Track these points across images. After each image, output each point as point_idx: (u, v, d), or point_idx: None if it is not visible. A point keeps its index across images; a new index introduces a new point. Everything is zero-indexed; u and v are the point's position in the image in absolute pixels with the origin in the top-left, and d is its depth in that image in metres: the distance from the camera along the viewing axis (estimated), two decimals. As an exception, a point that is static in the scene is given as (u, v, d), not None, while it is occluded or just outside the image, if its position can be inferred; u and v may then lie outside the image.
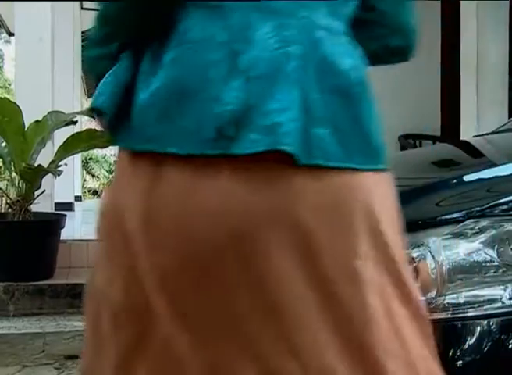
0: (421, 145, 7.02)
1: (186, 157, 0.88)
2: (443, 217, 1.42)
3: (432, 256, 1.36)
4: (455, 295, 1.34)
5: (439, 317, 1.33)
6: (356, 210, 0.94)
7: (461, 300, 1.34)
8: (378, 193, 0.99)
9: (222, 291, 0.89)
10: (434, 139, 6.98)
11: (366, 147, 0.96)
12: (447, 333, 1.32)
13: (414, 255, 1.38)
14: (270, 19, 0.92)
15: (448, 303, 1.34)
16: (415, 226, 1.43)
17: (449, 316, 1.33)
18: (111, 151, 26.12)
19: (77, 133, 4.66)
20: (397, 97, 7.19)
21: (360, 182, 0.95)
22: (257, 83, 0.88)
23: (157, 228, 0.90)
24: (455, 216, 1.41)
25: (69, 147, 4.45)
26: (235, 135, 0.86)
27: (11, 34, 11.87)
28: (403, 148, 6.87)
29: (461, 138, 5.15)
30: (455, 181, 1.66)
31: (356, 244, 0.93)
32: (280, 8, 0.93)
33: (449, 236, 1.38)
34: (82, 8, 10.54)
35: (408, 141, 7.01)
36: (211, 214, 0.88)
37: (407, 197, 1.59)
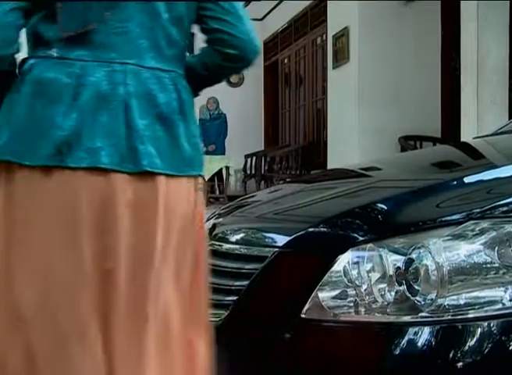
0: (421, 147, 7.02)
1: (33, 167, 1.24)
2: (444, 219, 1.42)
3: (433, 257, 1.36)
4: (455, 297, 1.34)
5: (439, 319, 1.33)
6: (159, 208, 1.28)
7: (462, 301, 1.34)
8: (186, 195, 1.35)
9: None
10: (434, 140, 6.99)
11: (180, 157, 1.31)
12: (448, 335, 1.32)
13: (415, 256, 1.38)
14: (104, 67, 1.27)
15: (448, 305, 1.33)
16: (416, 227, 1.43)
17: (449, 317, 1.33)
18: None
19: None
20: (398, 98, 7.20)
21: (167, 185, 1.29)
22: (88, 115, 1.24)
23: (14, 213, 1.26)
24: (455, 217, 1.41)
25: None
26: (68, 152, 1.22)
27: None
28: (403, 149, 6.88)
29: (461, 140, 5.15)
30: (455, 183, 1.66)
31: (155, 236, 1.28)
32: (113, 57, 1.28)
33: (450, 237, 1.38)
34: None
35: (409, 142, 7.02)
36: (49, 204, 1.24)
37: (407, 198, 1.60)
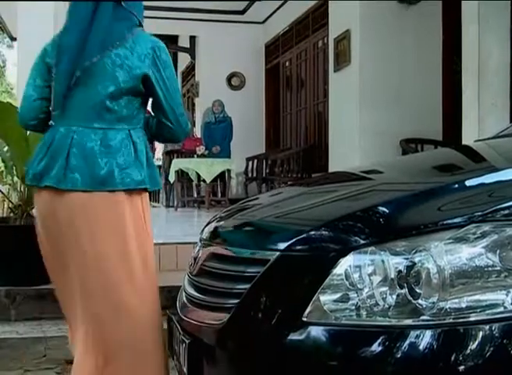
0: (422, 149, 7.02)
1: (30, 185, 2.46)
2: (445, 222, 1.42)
3: (434, 261, 1.36)
4: (457, 300, 1.34)
5: (440, 322, 1.33)
6: (78, 213, 2.20)
7: (463, 305, 1.34)
8: (98, 204, 2.21)
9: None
10: (435, 143, 6.98)
11: (94, 179, 2.18)
12: (449, 339, 1.32)
13: (416, 259, 1.38)
14: (67, 129, 2.24)
15: (450, 308, 1.33)
16: (417, 230, 1.43)
17: (451, 320, 1.33)
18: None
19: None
20: (399, 101, 7.20)
21: (87, 197, 2.19)
22: (51, 159, 2.22)
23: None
24: (457, 220, 1.41)
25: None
26: (40, 179, 2.24)
27: (13, 39, 11.89)
28: (404, 152, 6.87)
29: (463, 143, 5.15)
30: (457, 186, 1.66)
31: (79, 231, 2.21)
32: (73, 123, 2.24)
33: (451, 241, 1.38)
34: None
35: (410, 145, 7.01)
36: (41, 208, 2.33)
37: (408, 201, 1.59)
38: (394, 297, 1.39)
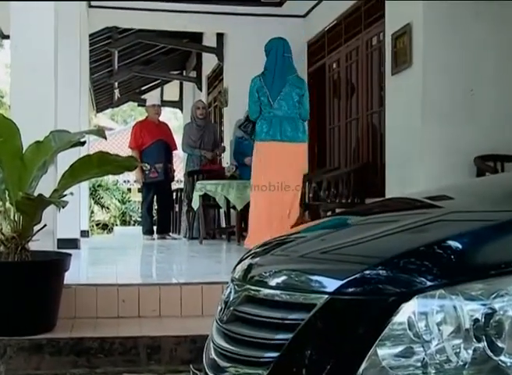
0: (503, 169, 6.97)
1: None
2: (532, 260, 1.41)
3: (519, 308, 1.36)
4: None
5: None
6: (297, 158, 8.19)
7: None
8: (297, 149, 8.20)
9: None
10: (519, 162, 6.92)
11: (298, 135, 8.07)
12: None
13: (497, 306, 1.38)
14: (276, 116, 8.02)
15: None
16: (497, 270, 1.42)
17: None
18: (124, 177, 26.30)
19: (87, 156, 4.63)
20: (473, 111, 7.15)
21: (296, 146, 8.14)
22: (273, 128, 7.99)
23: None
24: (547, 258, 1.40)
25: (77, 173, 4.45)
26: (271, 138, 8.08)
27: (5, 37, 12.08)
28: (480, 172, 6.82)
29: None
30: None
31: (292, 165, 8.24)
32: (278, 114, 8.00)
33: (540, 283, 1.37)
34: (90, 7, 10.74)
35: (487, 163, 6.96)
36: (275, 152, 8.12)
37: (486, 235, 1.59)
38: (470, 352, 1.38)
